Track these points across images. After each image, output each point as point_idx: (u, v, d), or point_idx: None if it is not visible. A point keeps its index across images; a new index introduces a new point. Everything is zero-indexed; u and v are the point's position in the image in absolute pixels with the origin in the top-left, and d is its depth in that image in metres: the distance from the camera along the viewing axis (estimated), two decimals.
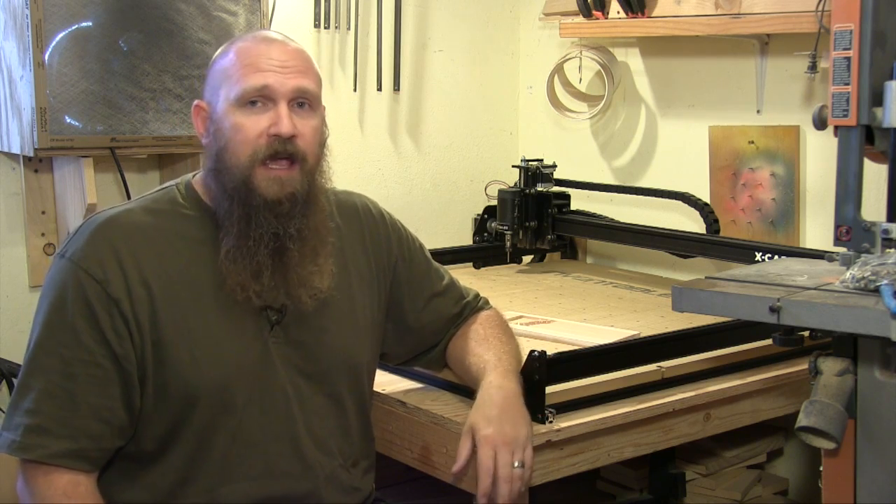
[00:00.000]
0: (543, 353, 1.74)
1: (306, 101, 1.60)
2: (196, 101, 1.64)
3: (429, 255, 1.89)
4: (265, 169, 1.55)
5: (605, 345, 2.01)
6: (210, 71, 1.63)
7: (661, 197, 2.86)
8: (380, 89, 3.02)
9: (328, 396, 1.67)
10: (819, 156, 2.59)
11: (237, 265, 1.55)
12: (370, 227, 1.79)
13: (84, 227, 1.57)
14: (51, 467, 1.48)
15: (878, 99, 1.60)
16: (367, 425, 1.77)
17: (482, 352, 1.78)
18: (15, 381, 2.39)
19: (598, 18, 2.85)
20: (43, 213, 2.46)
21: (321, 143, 1.64)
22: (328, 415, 1.67)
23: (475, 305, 1.90)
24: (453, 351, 1.85)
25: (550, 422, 1.74)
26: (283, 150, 1.56)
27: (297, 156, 1.57)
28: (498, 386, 1.68)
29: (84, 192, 2.33)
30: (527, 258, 3.13)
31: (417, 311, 1.83)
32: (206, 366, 1.55)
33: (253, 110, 1.55)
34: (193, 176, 1.67)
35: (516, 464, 1.61)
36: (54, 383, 1.49)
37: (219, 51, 1.65)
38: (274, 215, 1.56)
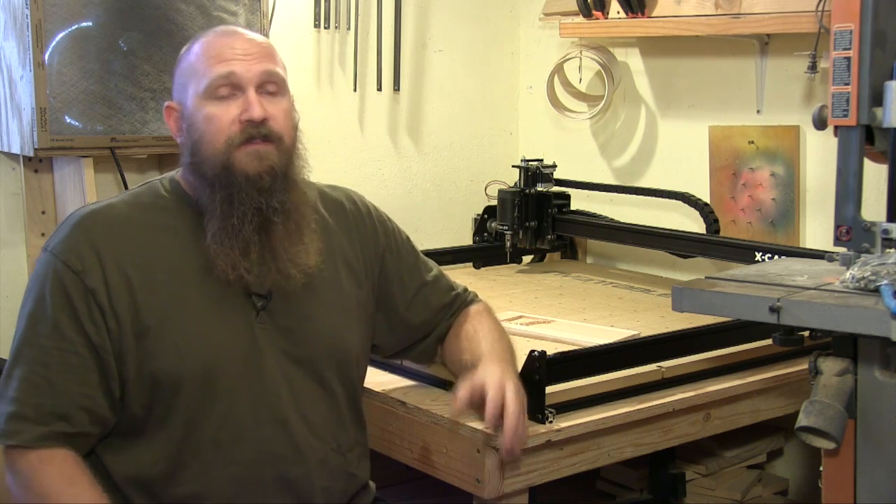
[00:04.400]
0: (543, 353, 1.74)
1: (274, 86, 1.62)
2: (167, 103, 1.66)
3: (415, 247, 1.91)
4: (243, 148, 1.57)
5: (605, 345, 2.01)
6: (176, 71, 1.65)
7: (661, 197, 2.86)
8: (380, 89, 3.02)
9: (317, 382, 1.68)
10: (819, 156, 2.59)
11: (224, 246, 1.56)
12: (356, 220, 1.80)
13: (66, 222, 1.60)
14: (32, 450, 1.51)
15: (878, 99, 1.60)
16: (360, 415, 1.78)
17: (474, 347, 1.79)
18: None
19: (598, 18, 2.85)
20: (43, 213, 2.46)
21: (294, 126, 1.66)
22: (319, 400, 1.67)
23: (465, 298, 1.91)
24: (448, 352, 1.86)
25: (550, 422, 1.74)
26: (257, 134, 1.58)
27: (272, 136, 1.59)
28: (494, 368, 1.69)
29: (84, 192, 2.33)
30: (527, 258, 3.13)
31: (407, 302, 1.84)
32: (191, 353, 1.56)
33: (222, 100, 1.58)
34: (177, 172, 1.68)
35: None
36: (35, 373, 1.52)
37: (183, 50, 1.67)
38: (256, 190, 1.57)
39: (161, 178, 1.69)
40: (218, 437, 1.58)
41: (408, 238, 1.89)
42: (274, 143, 1.59)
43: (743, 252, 2.47)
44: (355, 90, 2.99)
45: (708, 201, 2.78)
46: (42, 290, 1.55)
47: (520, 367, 1.76)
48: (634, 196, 2.96)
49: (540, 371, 1.74)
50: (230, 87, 1.57)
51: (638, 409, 1.86)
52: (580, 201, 3.07)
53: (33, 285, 1.58)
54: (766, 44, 2.69)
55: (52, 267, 1.55)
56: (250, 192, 1.56)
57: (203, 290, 1.59)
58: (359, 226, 1.80)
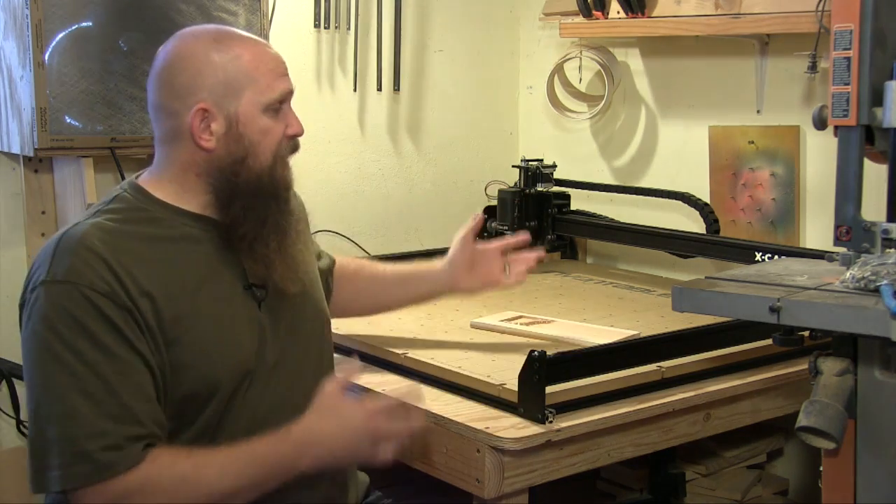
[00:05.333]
0: (543, 352, 1.74)
1: None
2: (201, 105, 1.56)
3: None
4: (286, 162, 1.66)
5: (605, 345, 2.01)
6: (207, 72, 1.57)
7: (661, 197, 2.86)
8: (380, 89, 3.02)
9: (313, 357, 1.72)
10: (819, 156, 2.59)
11: (285, 257, 1.64)
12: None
13: (61, 248, 1.50)
14: (130, 470, 1.44)
15: (878, 99, 1.60)
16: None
17: (384, 266, 2.08)
18: (15, 380, 2.39)
19: (598, 18, 2.85)
20: (43, 213, 2.46)
21: None
22: (318, 375, 1.69)
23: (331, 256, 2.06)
24: (355, 296, 2.04)
25: (550, 422, 1.74)
26: (296, 148, 1.68)
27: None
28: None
29: (84, 193, 2.33)
30: None
31: (318, 256, 1.97)
32: (222, 357, 1.56)
33: (274, 114, 1.62)
34: (136, 177, 1.65)
35: None
36: (106, 401, 1.45)
37: (203, 48, 1.59)
38: (288, 202, 1.67)
39: (121, 189, 1.63)
40: (234, 434, 1.56)
41: None
42: None
43: (743, 252, 2.47)
44: (355, 90, 2.99)
45: (708, 201, 2.78)
46: (75, 321, 1.45)
47: (519, 368, 1.76)
48: (634, 196, 2.96)
49: (540, 371, 1.73)
50: (283, 102, 1.63)
51: (638, 409, 1.86)
52: (580, 201, 3.07)
53: (59, 320, 1.45)
54: (765, 44, 2.69)
55: (80, 296, 1.46)
56: (288, 205, 1.66)
57: (211, 292, 1.59)
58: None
